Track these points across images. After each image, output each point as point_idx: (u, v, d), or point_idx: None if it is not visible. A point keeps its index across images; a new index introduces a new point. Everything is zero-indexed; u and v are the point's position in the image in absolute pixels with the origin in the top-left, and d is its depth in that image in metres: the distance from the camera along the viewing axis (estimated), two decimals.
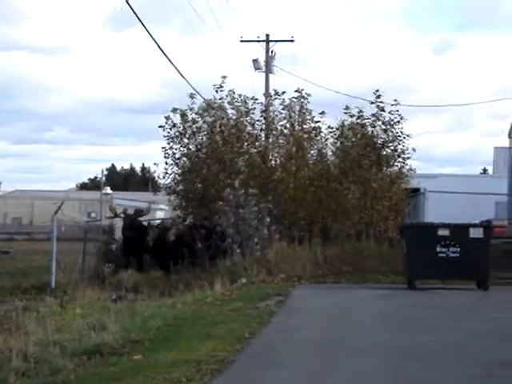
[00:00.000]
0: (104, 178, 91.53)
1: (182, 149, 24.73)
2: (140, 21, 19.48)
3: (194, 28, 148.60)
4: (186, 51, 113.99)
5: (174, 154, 24.70)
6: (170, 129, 24.67)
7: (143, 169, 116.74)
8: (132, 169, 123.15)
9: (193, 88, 26.03)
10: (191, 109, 24.75)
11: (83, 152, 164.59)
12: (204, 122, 24.79)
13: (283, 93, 25.06)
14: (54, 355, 9.74)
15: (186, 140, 24.76)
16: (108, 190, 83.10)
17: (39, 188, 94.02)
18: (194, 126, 24.75)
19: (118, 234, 26.89)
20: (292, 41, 35.12)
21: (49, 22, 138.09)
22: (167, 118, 24.67)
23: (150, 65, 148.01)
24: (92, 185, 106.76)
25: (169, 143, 24.67)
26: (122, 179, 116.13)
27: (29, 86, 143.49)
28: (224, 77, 24.96)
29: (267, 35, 34.65)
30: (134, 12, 18.51)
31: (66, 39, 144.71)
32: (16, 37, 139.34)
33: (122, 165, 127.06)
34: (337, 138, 24.57)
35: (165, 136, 24.60)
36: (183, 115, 24.66)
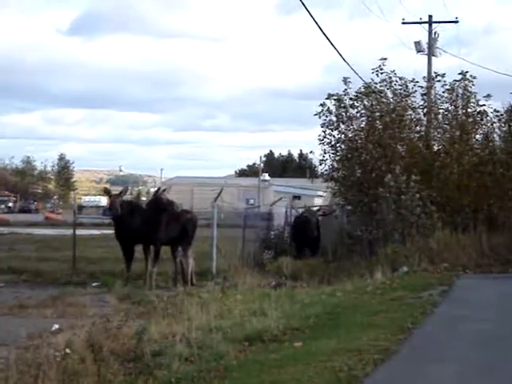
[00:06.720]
0: (262, 165, 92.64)
1: (338, 135, 24.42)
2: (303, 4, 19.22)
3: (358, 12, 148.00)
4: (349, 36, 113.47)
5: (331, 141, 24.42)
6: (326, 116, 24.38)
7: (301, 155, 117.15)
8: (290, 155, 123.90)
9: (355, 72, 25.64)
10: (346, 94, 24.36)
11: (243, 139, 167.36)
12: (363, 107, 24.34)
13: (443, 75, 24.27)
14: (217, 341, 9.81)
15: (342, 126, 24.42)
16: (266, 176, 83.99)
17: (198, 174, 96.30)
18: (351, 111, 24.35)
19: (277, 221, 27.04)
20: (456, 22, 33.94)
21: (213, 9, 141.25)
22: (322, 104, 24.43)
23: (315, 51, 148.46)
24: (250, 171, 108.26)
25: (325, 130, 24.43)
26: (280, 166, 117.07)
27: (192, 74, 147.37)
28: (384, 59, 24.33)
29: (430, 16, 33.69)
30: None
31: (229, 27, 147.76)
32: (180, 25, 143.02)
33: (280, 151, 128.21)
34: (504, 122, 23.58)
35: (322, 125, 24.32)
36: (339, 100, 24.31)
